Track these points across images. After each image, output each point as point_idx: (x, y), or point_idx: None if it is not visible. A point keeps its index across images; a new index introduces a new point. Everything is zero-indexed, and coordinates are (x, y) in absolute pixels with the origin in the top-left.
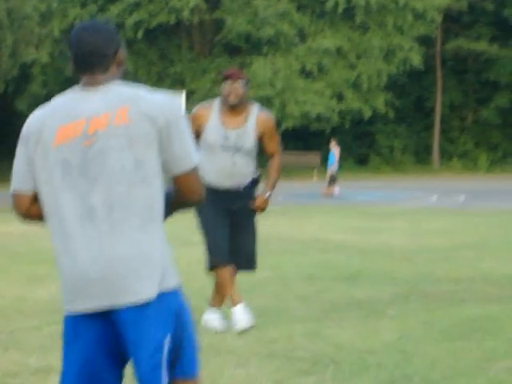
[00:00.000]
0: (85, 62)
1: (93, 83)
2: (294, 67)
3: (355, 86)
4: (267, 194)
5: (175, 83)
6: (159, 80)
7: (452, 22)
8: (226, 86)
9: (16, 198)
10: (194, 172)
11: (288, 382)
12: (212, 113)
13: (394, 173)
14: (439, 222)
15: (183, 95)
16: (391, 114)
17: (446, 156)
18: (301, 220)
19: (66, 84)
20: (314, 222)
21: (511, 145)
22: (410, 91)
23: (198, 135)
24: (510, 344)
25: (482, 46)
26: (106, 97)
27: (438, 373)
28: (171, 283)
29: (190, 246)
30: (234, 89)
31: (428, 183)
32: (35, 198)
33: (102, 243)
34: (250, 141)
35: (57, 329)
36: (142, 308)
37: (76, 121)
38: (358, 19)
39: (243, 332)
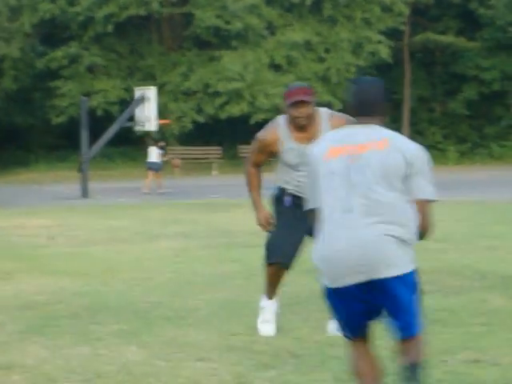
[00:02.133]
0: (365, 108)
1: (365, 123)
2: (264, 60)
3: (324, 78)
4: None
5: (146, 77)
6: (130, 74)
7: (420, 15)
8: (296, 111)
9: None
10: (424, 204)
11: (249, 375)
12: (282, 135)
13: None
14: None
15: (154, 89)
16: None
17: None
18: None
19: (37, 78)
20: None
21: (479, 136)
22: None
23: (270, 156)
24: (468, 336)
25: (449, 38)
26: (372, 132)
27: (396, 364)
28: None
29: (157, 241)
30: (305, 112)
31: None
32: None
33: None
34: None
35: (21, 325)
36: (397, 278)
37: (346, 145)
38: (326, 12)
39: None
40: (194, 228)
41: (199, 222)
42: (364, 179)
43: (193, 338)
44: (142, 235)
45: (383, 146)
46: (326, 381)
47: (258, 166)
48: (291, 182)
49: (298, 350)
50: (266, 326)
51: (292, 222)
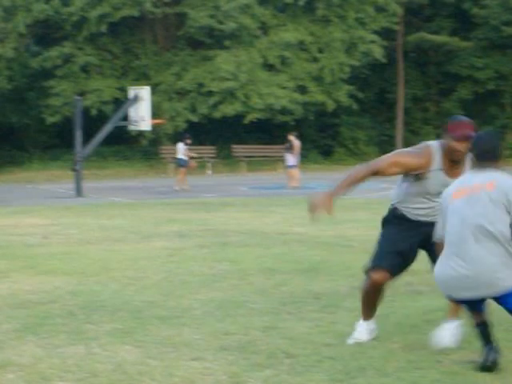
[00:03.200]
0: (485, 157)
1: (483, 168)
2: (257, 60)
3: (318, 78)
4: None
5: (140, 76)
6: (124, 73)
7: (413, 14)
8: (460, 145)
9: None
10: None
11: (243, 374)
12: (434, 163)
13: (358, 164)
14: None
15: (148, 89)
16: (355, 107)
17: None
18: (263, 212)
19: (31, 78)
20: (277, 214)
21: None
22: (372, 83)
23: (400, 173)
24: (464, 337)
25: (443, 38)
26: (485, 175)
27: (392, 365)
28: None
29: (151, 241)
30: (466, 147)
31: None
32: None
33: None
34: None
35: (16, 324)
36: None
37: (467, 186)
38: (320, 12)
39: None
40: (189, 227)
41: (193, 221)
42: (477, 212)
43: (187, 338)
44: (137, 234)
45: (490, 187)
46: (322, 381)
47: (376, 173)
48: (412, 205)
49: (293, 350)
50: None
51: (401, 237)
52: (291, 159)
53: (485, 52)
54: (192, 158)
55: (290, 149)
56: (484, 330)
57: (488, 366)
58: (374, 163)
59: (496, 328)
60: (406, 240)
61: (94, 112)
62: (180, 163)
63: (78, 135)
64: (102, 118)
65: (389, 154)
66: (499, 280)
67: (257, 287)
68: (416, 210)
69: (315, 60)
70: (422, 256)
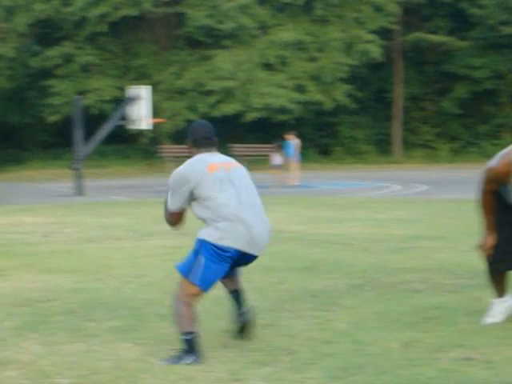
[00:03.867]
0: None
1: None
2: (256, 60)
3: (316, 78)
4: None
5: (139, 76)
6: (124, 73)
7: (411, 14)
8: None
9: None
10: None
11: (243, 372)
12: None
13: (357, 163)
14: (400, 212)
15: (149, 88)
16: (353, 106)
17: (407, 146)
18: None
19: (32, 77)
20: (275, 212)
21: (471, 135)
22: (370, 83)
23: (502, 184)
24: (461, 334)
25: (440, 38)
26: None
27: (391, 362)
28: None
29: (151, 239)
30: None
31: (390, 173)
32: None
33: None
34: None
35: (16, 322)
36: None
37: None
38: (318, 12)
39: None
40: (187, 225)
41: (192, 219)
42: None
43: None
44: (136, 233)
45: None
46: (320, 378)
47: (493, 193)
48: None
49: (292, 347)
50: (491, 319)
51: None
52: (277, 159)
53: (482, 51)
54: None
55: (279, 148)
56: (237, 296)
57: (241, 327)
58: (483, 191)
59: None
60: None
61: (94, 111)
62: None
63: (78, 134)
64: (102, 117)
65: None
66: None
67: (255, 285)
68: None
69: (314, 59)
70: (418, 254)
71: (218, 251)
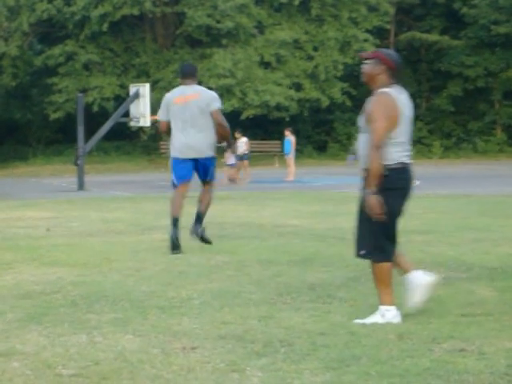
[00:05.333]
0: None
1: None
2: (254, 58)
3: (313, 76)
4: None
5: (140, 74)
6: (125, 71)
7: (405, 14)
8: None
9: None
10: None
11: (241, 363)
12: None
13: None
14: None
15: (147, 86)
16: (348, 103)
17: None
18: (260, 205)
19: (35, 75)
20: (274, 207)
21: (464, 132)
22: None
23: None
24: (454, 326)
25: (434, 37)
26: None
27: (385, 353)
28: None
29: (151, 233)
30: None
31: None
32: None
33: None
34: None
35: (20, 314)
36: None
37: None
38: (314, 12)
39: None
40: (187, 220)
41: (191, 214)
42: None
43: (186, 327)
44: (137, 227)
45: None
46: (317, 369)
47: None
48: None
49: (289, 339)
50: None
51: None
52: (231, 158)
53: (474, 50)
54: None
55: (233, 147)
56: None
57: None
58: None
59: None
60: None
61: (95, 108)
62: (243, 157)
63: (80, 131)
64: (104, 114)
65: None
66: None
67: (253, 278)
68: None
69: (310, 58)
70: (411, 248)
71: None
